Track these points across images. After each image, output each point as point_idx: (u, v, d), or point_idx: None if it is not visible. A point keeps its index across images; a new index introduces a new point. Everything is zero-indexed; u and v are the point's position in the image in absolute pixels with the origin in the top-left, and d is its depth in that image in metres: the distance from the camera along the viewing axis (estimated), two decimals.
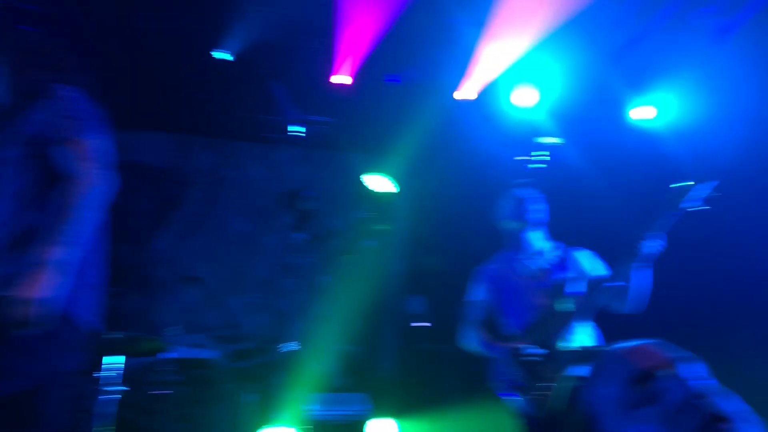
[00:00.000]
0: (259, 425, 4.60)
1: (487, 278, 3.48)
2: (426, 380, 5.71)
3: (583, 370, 2.99)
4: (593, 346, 3.18)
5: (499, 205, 3.50)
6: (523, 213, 3.39)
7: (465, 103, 5.52)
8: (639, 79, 5.33)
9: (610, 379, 1.18)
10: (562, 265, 3.35)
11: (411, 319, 5.85)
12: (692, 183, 3.06)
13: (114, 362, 3.16)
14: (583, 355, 3.08)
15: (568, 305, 3.17)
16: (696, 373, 1.14)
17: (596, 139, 5.58)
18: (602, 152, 5.55)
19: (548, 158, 4.44)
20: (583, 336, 3.19)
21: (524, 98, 5.43)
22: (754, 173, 4.71)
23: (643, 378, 1.14)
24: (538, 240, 3.42)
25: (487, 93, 5.48)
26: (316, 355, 5.21)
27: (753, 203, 4.77)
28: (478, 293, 3.49)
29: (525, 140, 4.68)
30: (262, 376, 5.02)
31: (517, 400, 3.14)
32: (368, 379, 5.73)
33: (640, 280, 3.09)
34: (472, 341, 3.43)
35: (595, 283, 3.18)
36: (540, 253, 3.41)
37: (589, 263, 3.33)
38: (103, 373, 3.12)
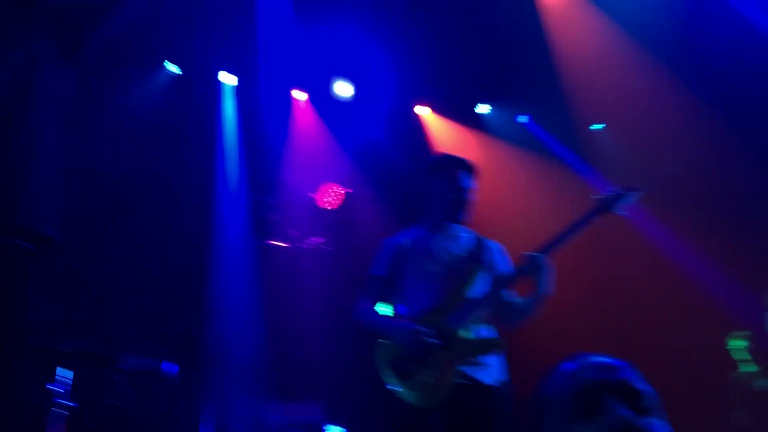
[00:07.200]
0: None
1: (394, 253, 3.22)
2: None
3: (484, 362, 2.93)
4: (493, 338, 3.03)
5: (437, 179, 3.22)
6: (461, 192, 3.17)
7: None
8: None
9: (563, 382, 1.19)
10: (477, 253, 3.17)
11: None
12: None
13: (64, 376, 3.04)
14: (482, 346, 2.97)
15: (476, 294, 3.03)
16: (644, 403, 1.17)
17: None
18: None
19: None
20: (483, 328, 3.06)
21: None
22: None
23: (593, 391, 1.16)
24: (457, 223, 3.23)
25: None
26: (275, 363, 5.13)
27: None
28: (381, 268, 3.23)
29: None
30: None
31: (399, 386, 2.92)
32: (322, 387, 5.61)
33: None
34: (366, 317, 3.16)
35: (501, 279, 3.08)
36: (457, 236, 3.22)
37: (501, 258, 3.22)
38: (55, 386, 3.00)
